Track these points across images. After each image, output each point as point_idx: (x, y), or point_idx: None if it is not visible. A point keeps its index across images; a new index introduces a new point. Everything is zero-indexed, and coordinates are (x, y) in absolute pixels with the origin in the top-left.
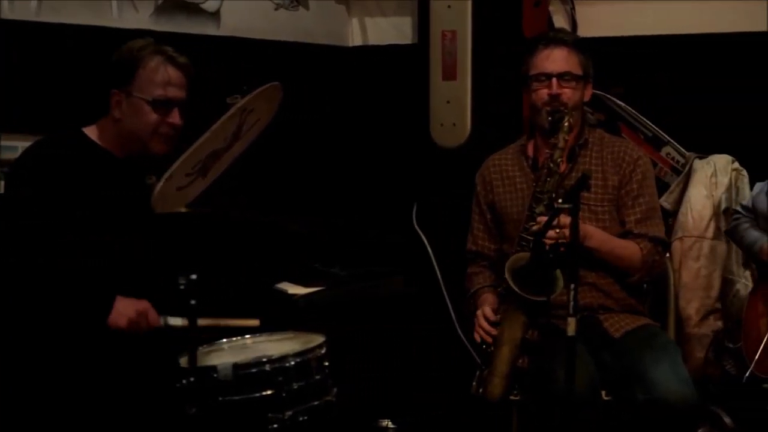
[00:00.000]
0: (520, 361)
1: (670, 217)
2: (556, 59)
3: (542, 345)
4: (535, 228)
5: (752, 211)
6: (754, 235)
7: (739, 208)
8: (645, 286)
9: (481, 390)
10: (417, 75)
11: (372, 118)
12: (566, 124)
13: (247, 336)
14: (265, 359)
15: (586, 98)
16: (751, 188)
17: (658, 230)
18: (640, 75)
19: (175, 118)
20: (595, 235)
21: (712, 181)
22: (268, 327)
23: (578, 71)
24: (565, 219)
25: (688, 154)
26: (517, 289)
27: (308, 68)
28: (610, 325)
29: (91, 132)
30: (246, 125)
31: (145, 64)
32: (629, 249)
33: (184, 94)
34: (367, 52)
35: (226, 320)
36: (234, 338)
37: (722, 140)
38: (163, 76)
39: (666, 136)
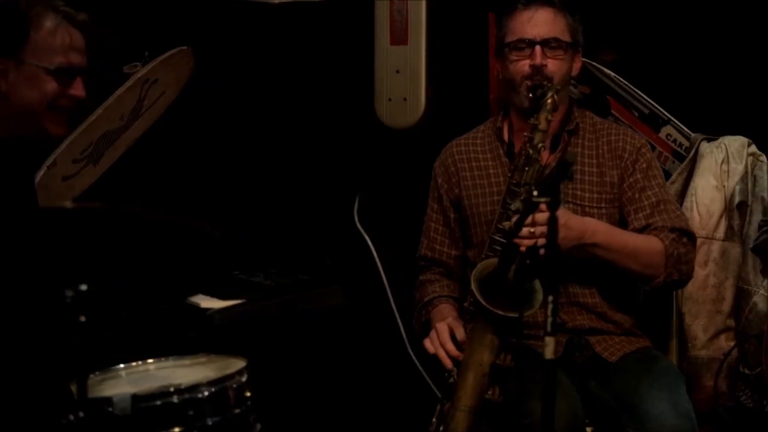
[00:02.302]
0: (490, 392)
1: None
2: (539, 22)
3: (516, 372)
4: (506, 226)
5: None
6: None
7: None
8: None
9: (442, 428)
10: (359, 38)
11: (303, 92)
12: (549, 101)
13: (150, 360)
14: (172, 389)
15: (575, 72)
16: None
17: (678, 220)
18: (635, 38)
19: (78, 89)
20: (600, 228)
21: (723, 168)
22: (175, 349)
23: (566, 38)
24: (541, 215)
25: (693, 135)
26: (484, 302)
27: (223, 29)
28: (603, 348)
29: None
30: (148, 100)
31: (38, 25)
32: (647, 241)
33: (86, 60)
34: (296, 9)
35: None
36: (134, 363)
37: (735, 118)
38: (63, 39)
39: (666, 114)
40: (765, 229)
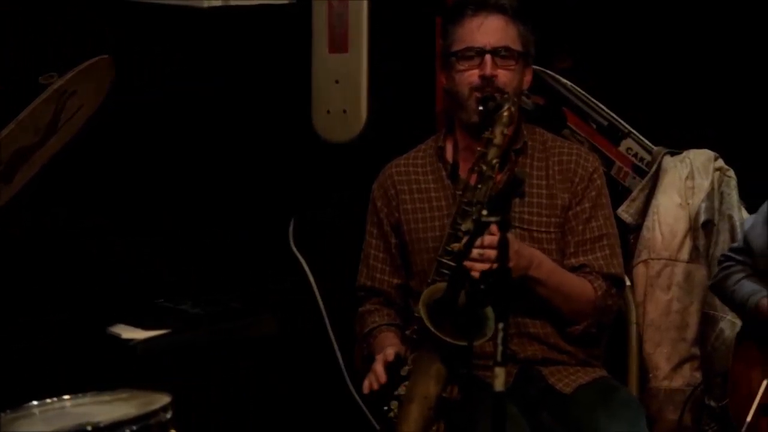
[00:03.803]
0: (434, 427)
1: (632, 233)
2: (489, 30)
3: (463, 405)
4: (455, 248)
5: (747, 252)
6: (748, 288)
7: (729, 253)
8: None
9: None
10: (296, 46)
11: (235, 103)
12: (506, 113)
13: (66, 397)
14: (89, 428)
15: (525, 86)
16: (740, 194)
17: (614, 264)
18: (592, 44)
19: None
20: (545, 263)
21: (687, 184)
22: (94, 384)
23: (518, 47)
24: (490, 238)
25: (656, 149)
26: (433, 329)
27: (150, 37)
28: (557, 380)
29: None
30: (65, 113)
31: None
32: (581, 287)
33: None
34: (228, 15)
35: None
36: (48, 399)
37: (701, 130)
38: None
39: (627, 126)
40: (725, 265)
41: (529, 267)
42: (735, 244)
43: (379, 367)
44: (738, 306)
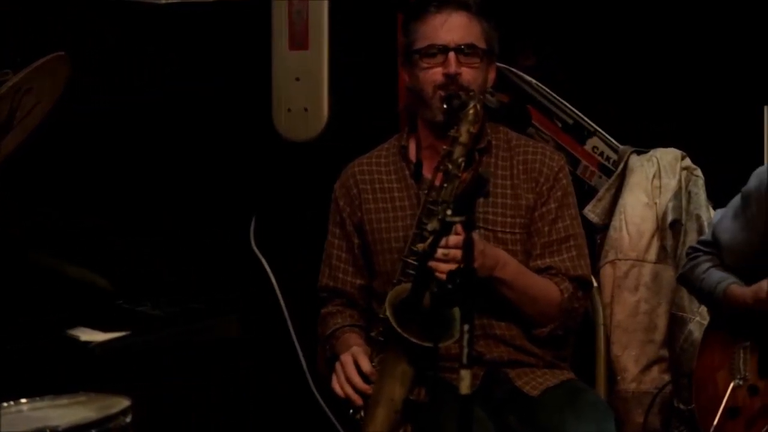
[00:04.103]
0: (402, 430)
1: (598, 233)
2: (453, 27)
3: (430, 407)
4: (420, 248)
5: (715, 246)
6: (716, 276)
7: (697, 245)
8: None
9: None
10: (255, 42)
11: (194, 101)
12: (472, 111)
13: (23, 400)
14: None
15: (489, 84)
16: (708, 193)
17: (581, 266)
18: (557, 41)
19: None
20: (510, 264)
21: (654, 184)
22: (52, 387)
23: (482, 44)
24: (455, 238)
25: (622, 147)
26: (400, 330)
27: (105, 32)
28: (524, 382)
29: None
30: (21, 111)
31: None
32: (547, 290)
33: None
34: (185, 10)
35: None
36: (5, 403)
37: (668, 129)
38: None
39: (592, 124)
40: (692, 256)
41: (494, 267)
42: (703, 237)
43: (357, 379)
44: (706, 295)
